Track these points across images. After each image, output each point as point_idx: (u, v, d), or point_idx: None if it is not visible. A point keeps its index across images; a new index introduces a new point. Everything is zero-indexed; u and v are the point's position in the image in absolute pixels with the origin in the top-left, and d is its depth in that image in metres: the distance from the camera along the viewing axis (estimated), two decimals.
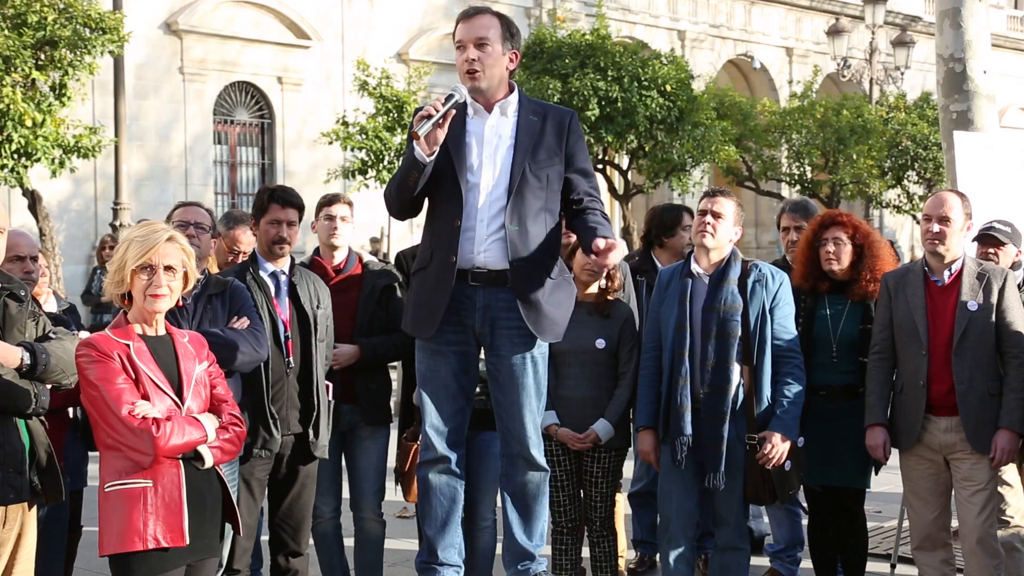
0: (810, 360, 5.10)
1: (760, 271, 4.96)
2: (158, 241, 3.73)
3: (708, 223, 4.91)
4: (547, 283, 4.34)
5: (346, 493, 5.46)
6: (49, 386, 3.95)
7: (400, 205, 4.35)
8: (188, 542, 3.66)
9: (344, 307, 5.26)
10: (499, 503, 4.85)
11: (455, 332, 4.31)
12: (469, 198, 4.25)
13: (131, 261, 3.70)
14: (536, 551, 4.50)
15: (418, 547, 4.60)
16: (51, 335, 4.02)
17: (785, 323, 4.95)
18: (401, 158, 4.40)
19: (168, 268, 3.74)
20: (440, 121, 4.13)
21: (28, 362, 3.80)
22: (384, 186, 4.49)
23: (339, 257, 5.41)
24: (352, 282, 5.37)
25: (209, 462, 3.74)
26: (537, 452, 4.44)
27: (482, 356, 4.46)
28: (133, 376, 3.63)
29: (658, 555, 6.34)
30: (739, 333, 4.82)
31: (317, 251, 5.49)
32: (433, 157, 4.16)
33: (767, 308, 4.89)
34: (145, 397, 3.62)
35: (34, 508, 4.07)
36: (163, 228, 3.79)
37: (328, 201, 5.40)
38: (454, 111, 4.18)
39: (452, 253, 4.24)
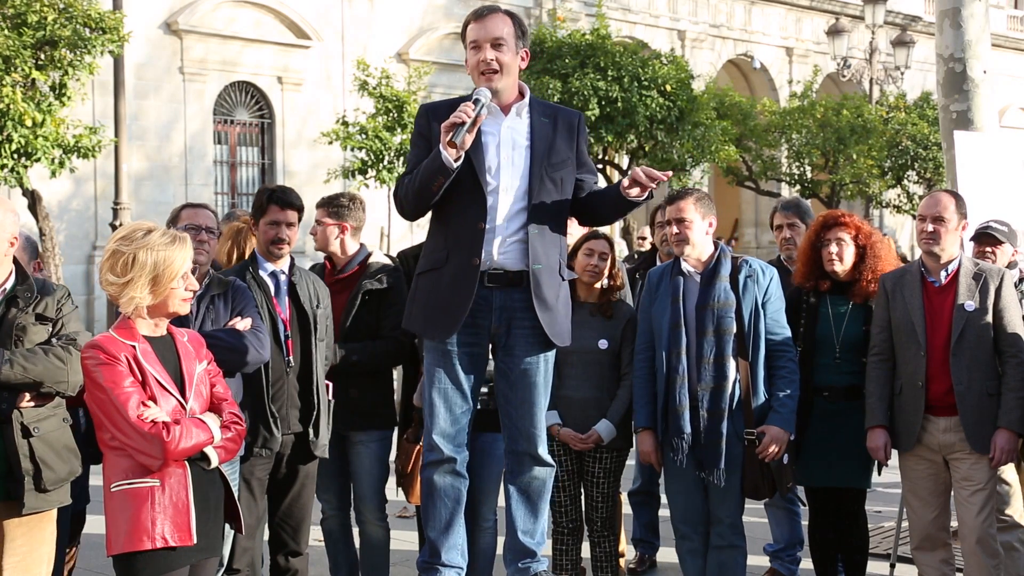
0: (813, 361, 5.12)
1: (750, 266, 4.98)
2: (190, 247, 3.76)
3: (676, 232, 4.93)
4: (558, 287, 4.37)
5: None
6: (28, 395, 3.94)
7: (417, 209, 4.31)
8: (195, 541, 3.66)
9: (335, 310, 5.24)
10: (500, 503, 4.86)
11: (468, 333, 4.30)
12: (489, 200, 4.24)
13: (179, 270, 3.68)
14: (539, 549, 4.51)
15: (418, 547, 4.60)
16: (53, 340, 4.02)
17: (777, 317, 4.98)
18: (403, 159, 4.36)
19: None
20: (471, 126, 4.11)
21: None
22: (395, 187, 4.43)
23: (341, 258, 5.41)
24: (348, 284, 5.36)
25: (215, 462, 3.74)
26: (544, 449, 4.47)
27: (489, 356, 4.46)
28: (140, 378, 3.63)
29: (658, 554, 6.38)
30: (734, 329, 4.84)
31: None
32: (460, 162, 4.14)
33: (759, 303, 4.91)
34: (152, 398, 3.62)
35: (36, 516, 4.06)
36: (170, 232, 3.78)
37: (316, 205, 5.43)
38: (484, 114, 4.18)
39: (475, 255, 4.21)
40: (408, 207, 4.33)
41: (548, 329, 4.31)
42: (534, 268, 4.26)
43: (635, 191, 4.25)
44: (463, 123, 4.08)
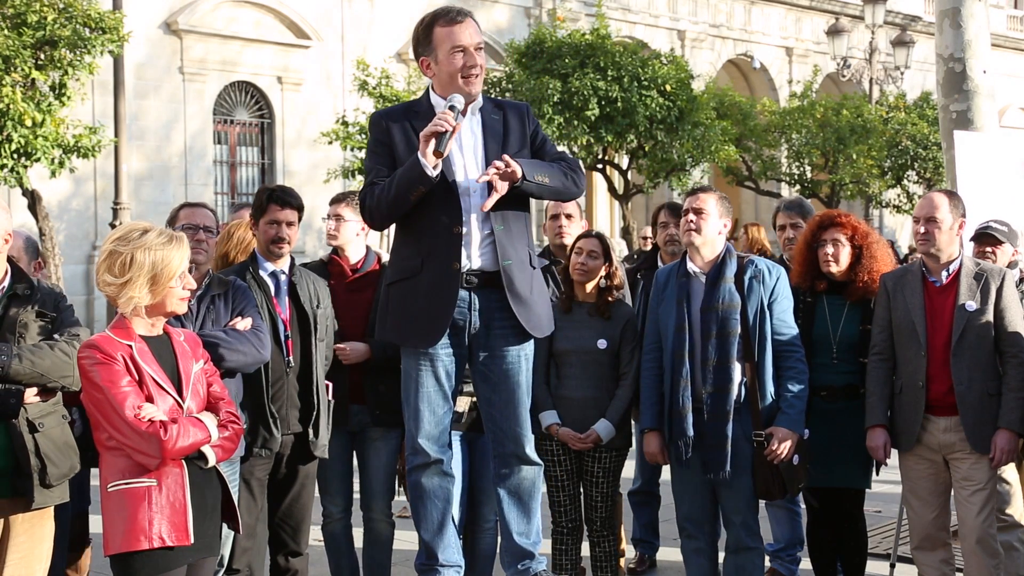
0: (810, 361, 5.10)
1: (756, 267, 4.97)
2: (187, 247, 3.76)
3: (691, 221, 4.92)
4: (530, 278, 4.36)
5: (356, 492, 5.45)
6: (34, 389, 3.95)
7: (390, 218, 4.30)
8: (192, 541, 3.66)
9: (358, 306, 5.25)
10: None
11: (447, 335, 4.30)
12: (462, 203, 4.24)
13: (176, 270, 3.69)
14: (535, 549, 4.50)
15: (418, 547, 4.59)
16: (56, 336, 4.03)
17: (784, 317, 4.97)
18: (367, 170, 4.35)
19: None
20: (451, 134, 4.09)
21: None
22: (361, 197, 4.42)
23: (356, 256, 5.39)
24: (368, 281, 5.35)
25: (212, 461, 3.74)
26: (531, 448, 4.46)
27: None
28: (137, 377, 3.63)
29: (658, 554, 6.38)
30: (739, 331, 4.83)
31: (335, 250, 5.48)
32: (439, 171, 4.12)
33: (765, 304, 4.91)
34: (149, 398, 3.62)
35: (38, 512, 4.06)
36: (166, 231, 3.78)
37: (333, 200, 5.43)
38: (460, 121, 4.17)
39: (454, 260, 4.20)
40: (378, 217, 4.30)
41: (525, 323, 4.31)
42: (504, 264, 4.26)
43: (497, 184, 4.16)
44: (445, 132, 4.06)
